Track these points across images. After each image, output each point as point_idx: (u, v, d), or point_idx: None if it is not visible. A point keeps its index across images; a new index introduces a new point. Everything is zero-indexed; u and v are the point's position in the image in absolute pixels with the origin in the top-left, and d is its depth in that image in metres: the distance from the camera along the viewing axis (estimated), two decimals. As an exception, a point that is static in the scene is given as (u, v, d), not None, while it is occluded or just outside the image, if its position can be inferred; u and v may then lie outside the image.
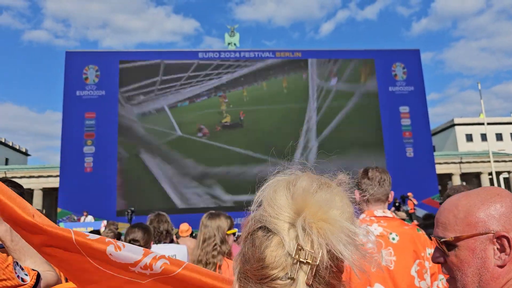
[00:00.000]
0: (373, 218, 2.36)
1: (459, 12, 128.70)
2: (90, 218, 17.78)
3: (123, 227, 10.58)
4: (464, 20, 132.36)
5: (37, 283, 1.62)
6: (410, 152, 21.76)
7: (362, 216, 2.43)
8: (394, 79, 22.72)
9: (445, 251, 1.00)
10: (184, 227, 5.28)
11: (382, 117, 22.10)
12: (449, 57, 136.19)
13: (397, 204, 12.71)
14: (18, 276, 1.56)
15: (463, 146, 44.38)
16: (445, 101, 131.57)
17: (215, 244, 2.66)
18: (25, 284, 1.56)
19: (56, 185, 23.53)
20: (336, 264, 0.65)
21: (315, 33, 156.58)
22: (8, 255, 1.61)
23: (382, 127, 21.99)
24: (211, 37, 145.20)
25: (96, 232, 7.22)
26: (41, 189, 29.69)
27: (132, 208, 15.13)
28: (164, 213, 4.15)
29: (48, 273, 1.74)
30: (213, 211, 2.83)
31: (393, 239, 2.27)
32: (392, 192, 2.57)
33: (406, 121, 22.23)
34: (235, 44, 31.35)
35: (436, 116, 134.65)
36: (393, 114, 22.15)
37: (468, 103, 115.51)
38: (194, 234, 6.64)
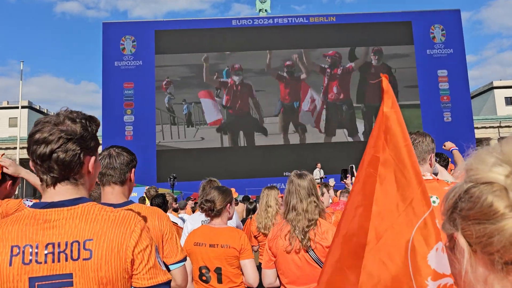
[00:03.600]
0: None
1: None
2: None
3: (163, 192, 11.02)
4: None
5: None
6: (448, 117, 21.32)
7: None
8: (432, 41, 22.02)
9: None
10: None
11: (419, 81, 21.61)
12: (487, 16, 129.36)
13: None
14: (27, 205, 2.22)
15: (502, 110, 42.79)
16: (482, 63, 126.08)
17: (316, 201, 2.79)
18: None
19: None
20: None
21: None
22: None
23: (419, 91, 21.54)
24: (240, 4, 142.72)
25: (142, 199, 7.61)
26: (83, 157, 31.00)
27: (174, 175, 15.68)
28: (215, 179, 4.37)
29: None
30: (299, 171, 2.94)
31: (434, 202, 2.17)
32: (432, 155, 2.57)
33: (444, 85, 21.66)
34: (266, 10, 30.90)
35: (472, 80, 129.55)
36: (431, 78, 21.60)
37: (508, 65, 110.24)
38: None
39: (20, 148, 29.23)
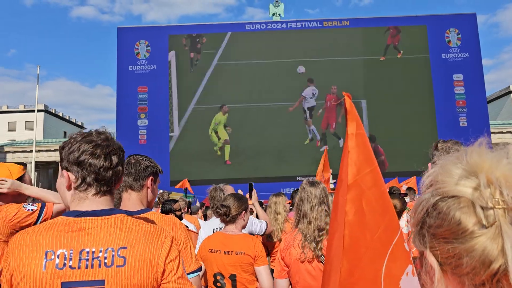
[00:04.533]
0: None
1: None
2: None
3: (176, 196, 11.06)
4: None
5: (42, 209, 2.59)
6: (463, 122, 21.04)
7: None
8: (448, 45, 21.78)
9: None
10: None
11: (434, 85, 21.38)
12: (504, 19, 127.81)
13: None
14: (27, 209, 2.55)
15: (520, 114, 42.13)
16: (498, 67, 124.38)
17: (327, 210, 2.75)
18: (33, 212, 2.54)
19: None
20: None
21: (359, 0, 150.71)
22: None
23: (434, 95, 21.31)
24: (254, 8, 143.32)
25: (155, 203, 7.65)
26: (97, 161, 31.30)
27: (187, 179, 15.73)
28: (225, 185, 4.36)
29: (57, 205, 2.65)
30: (310, 179, 2.93)
31: None
32: None
33: (459, 90, 21.40)
34: (279, 14, 30.95)
35: (488, 84, 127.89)
36: (446, 82, 21.36)
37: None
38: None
39: (36, 151, 29.69)
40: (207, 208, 9.30)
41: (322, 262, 2.63)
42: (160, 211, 5.27)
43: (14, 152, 35.66)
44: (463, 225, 0.67)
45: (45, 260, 1.33)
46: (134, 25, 23.32)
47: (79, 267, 1.34)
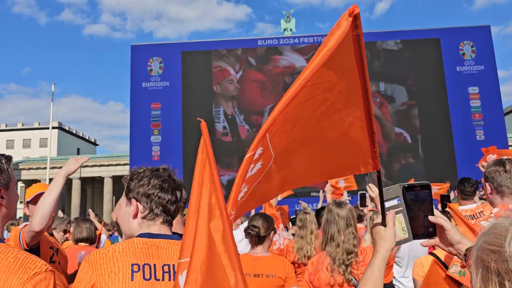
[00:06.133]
0: (508, 211, 2.27)
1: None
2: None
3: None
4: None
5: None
6: (480, 135, 20.69)
7: (496, 210, 2.36)
8: (462, 58, 21.57)
9: None
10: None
11: (449, 98, 21.12)
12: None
13: None
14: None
15: (537, 127, 41.43)
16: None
17: (354, 232, 2.72)
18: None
19: (125, 173, 24.78)
20: None
21: (370, 13, 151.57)
22: None
23: (450, 109, 21.03)
24: (264, 23, 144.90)
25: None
26: (110, 177, 31.41)
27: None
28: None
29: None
30: (337, 200, 2.87)
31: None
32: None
33: (475, 102, 21.10)
34: (291, 29, 31.13)
35: (505, 95, 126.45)
36: (462, 96, 21.09)
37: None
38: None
39: (50, 168, 29.94)
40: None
41: (354, 286, 2.59)
42: None
43: (29, 169, 36.03)
44: None
45: (132, 271, 1.49)
46: (147, 43, 23.58)
47: (163, 279, 1.53)
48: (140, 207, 1.64)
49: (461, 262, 2.14)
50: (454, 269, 2.14)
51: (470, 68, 21.45)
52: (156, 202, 1.64)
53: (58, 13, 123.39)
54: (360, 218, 5.58)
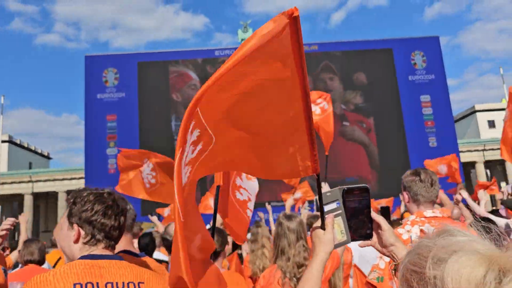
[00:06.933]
0: (423, 219, 2.39)
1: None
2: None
3: (147, 226, 10.67)
4: (479, 1, 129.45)
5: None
6: (433, 142, 21.43)
7: (412, 217, 2.45)
8: (414, 68, 22.36)
9: None
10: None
11: (402, 107, 21.79)
12: (465, 41, 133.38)
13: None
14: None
15: (486, 133, 43.51)
16: (463, 87, 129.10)
17: (305, 245, 2.70)
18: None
19: (80, 187, 23.89)
20: None
21: (326, 23, 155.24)
22: None
23: (403, 117, 21.69)
24: (222, 33, 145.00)
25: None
26: (65, 191, 30.20)
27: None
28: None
29: None
30: (288, 213, 2.84)
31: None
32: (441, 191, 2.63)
33: (427, 110, 21.88)
34: (249, 39, 31.18)
35: (454, 103, 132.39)
36: (415, 104, 21.81)
37: (489, 88, 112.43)
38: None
39: (0, 183, 28.43)
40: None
41: None
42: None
43: (-23, 185, 34.06)
44: None
45: None
46: (102, 53, 23.00)
47: None
48: (82, 232, 1.63)
49: (381, 270, 2.25)
50: (373, 275, 2.26)
51: (421, 77, 22.26)
52: (98, 229, 1.64)
53: (8, 22, 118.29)
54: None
